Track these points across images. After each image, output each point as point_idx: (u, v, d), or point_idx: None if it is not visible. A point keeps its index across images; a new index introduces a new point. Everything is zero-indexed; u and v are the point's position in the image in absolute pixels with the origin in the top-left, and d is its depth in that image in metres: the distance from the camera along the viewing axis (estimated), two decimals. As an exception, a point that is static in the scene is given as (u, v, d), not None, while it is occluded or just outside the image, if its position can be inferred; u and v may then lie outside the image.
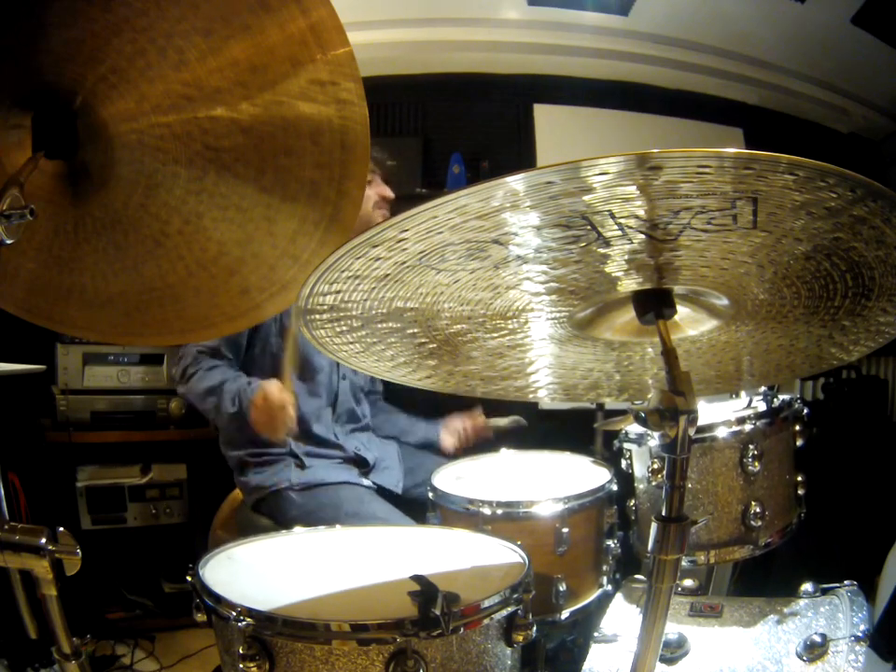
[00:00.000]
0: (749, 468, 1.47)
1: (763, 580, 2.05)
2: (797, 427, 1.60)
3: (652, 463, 1.54)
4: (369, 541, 1.30)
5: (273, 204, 1.03)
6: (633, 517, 1.68)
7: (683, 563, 1.32)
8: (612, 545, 1.66)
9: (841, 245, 0.76)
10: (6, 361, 2.18)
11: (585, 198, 0.66)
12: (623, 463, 1.70)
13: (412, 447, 2.15)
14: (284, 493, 1.85)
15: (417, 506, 1.78)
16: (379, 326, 0.92)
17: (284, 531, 1.32)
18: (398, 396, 2.27)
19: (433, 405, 2.12)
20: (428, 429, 2.16)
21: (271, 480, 1.87)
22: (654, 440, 1.55)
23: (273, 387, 1.76)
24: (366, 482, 1.92)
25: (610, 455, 1.84)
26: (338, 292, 0.82)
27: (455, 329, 0.95)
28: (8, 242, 0.81)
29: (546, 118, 3.44)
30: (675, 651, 1.27)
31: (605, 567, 1.64)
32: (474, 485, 1.67)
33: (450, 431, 2.13)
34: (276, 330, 1.92)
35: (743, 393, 1.72)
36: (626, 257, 0.78)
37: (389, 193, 1.98)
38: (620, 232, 0.72)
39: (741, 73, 3.34)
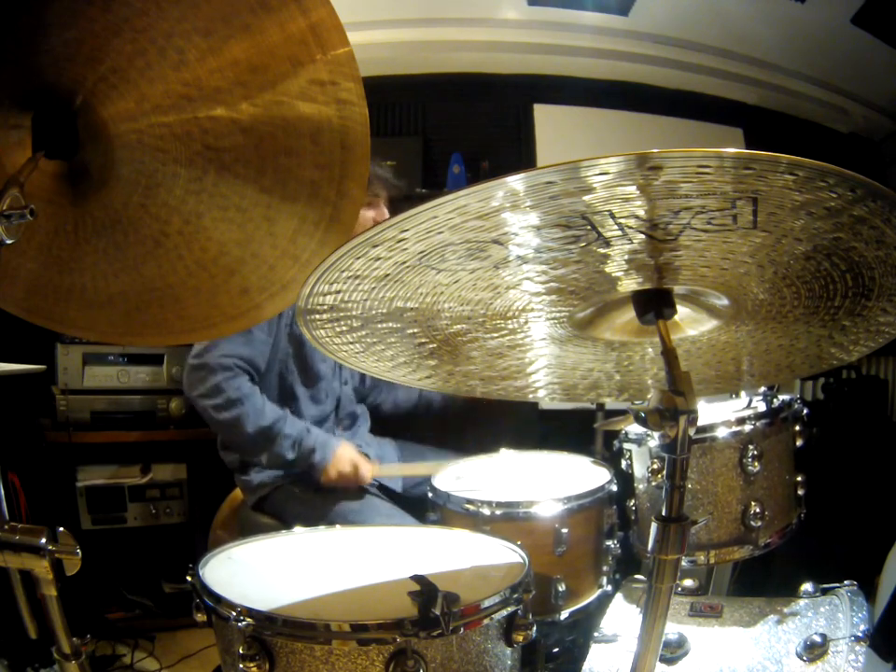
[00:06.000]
0: (749, 468, 1.47)
1: (763, 580, 2.05)
2: (797, 428, 1.60)
3: (652, 463, 1.54)
4: (369, 541, 1.30)
5: (273, 204, 1.03)
6: (633, 517, 1.68)
7: (683, 563, 1.32)
8: (612, 545, 1.66)
9: (841, 244, 0.76)
10: (6, 361, 2.18)
11: (585, 198, 0.66)
12: (623, 463, 1.70)
13: (411, 445, 2.16)
14: (287, 490, 1.85)
15: (418, 505, 1.79)
16: (379, 326, 0.92)
17: (284, 531, 1.32)
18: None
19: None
20: None
21: (274, 477, 1.87)
22: (654, 440, 1.55)
23: (347, 457, 1.78)
24: None
25: (610, 455, 1.84)
26: (338, 292, 0.82)
27: (455, 328, 0.95)
28: (8, 242, 0.81)
29: (546, 118, 3.44)
30: (675, 650, 1.27)
31: (605, 568, 1.64)
32: (474, 485, 1.67)
33: None
34: (286, 337, 1.91)
35: (743, 393, 1.72)
36: (626, 257, 0.78)
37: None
38: (620, 232, 0.72)
39: (741, 73, 3.34)
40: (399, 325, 0.92)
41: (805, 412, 1.63)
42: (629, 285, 0.87)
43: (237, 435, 1.80)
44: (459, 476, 1.77)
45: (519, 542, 1.19)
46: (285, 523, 1.79)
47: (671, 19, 3.07)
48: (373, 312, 0.88)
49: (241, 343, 1.79)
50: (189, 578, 1.04)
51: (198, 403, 1.82)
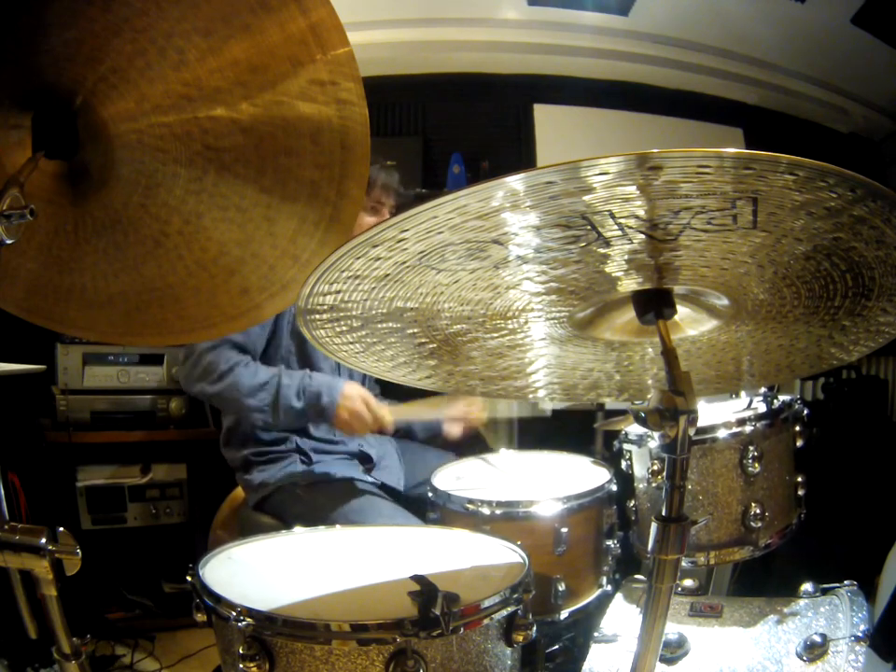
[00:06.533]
0: (749, 469, 1.47)
1: (763, 580, 2.05)
2: (797, 428, 1.60)
3: (652, 464, 1.54)
4: (369, 541, 1.30)
5: (272, 204, 1.03)
6: (633, 517, 1.68)
7: (683, 563, 1.32)
8: (612, 545, 1.66)
9: (841, 244, 0.76)
10: (6, 361, 2.18)
11: (585, 198, 0.66)
12: (623, 463, 1.70)
13: (412, 445, 2.15)
14: (289, 489, 1.85)
15: (420, 504, 1.78)
16: (379, 326, 0.92)
17: (284, 531, 1.32)
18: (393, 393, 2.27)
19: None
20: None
21: (276, 476, 1.87)
22: (654, 440, 1.55)
23: (356, 393, 1.75)
24: (370, 478, 1.92)
25: (610, 455, 1.84)
26: (338, 292, 0.82)
27: (455, 328, 0.95)
28: (8, 242, 0.81)
29: (546, 118, 3.44)
30: (675, 650, 1.27)
31: (604, 567, 1.64)
32: (474, 485, 1.67)
33: (453, 418, 2.12)
34: (288, 334, 1.91)
35: (743, 394, 1.72)
36: (626, 257, 0.78)
37: None
38: (620, 232, 0.72)
39: (741, 73, 3.35)
40: (399, 325, 0.92)
41: (805, 412, 1.62)
42: (629, 285, 0.87)
43: (236, 398, 1.77)
44: (459, 476, 1.77)
45: (519, 542, 1.19)
46: (286, 523, 1.78)
47: (671, 19, 3.07)
48: (373, 312, 0.88)
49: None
50: (189, 578, 1.04)
51: (197, 389, 1.79)
